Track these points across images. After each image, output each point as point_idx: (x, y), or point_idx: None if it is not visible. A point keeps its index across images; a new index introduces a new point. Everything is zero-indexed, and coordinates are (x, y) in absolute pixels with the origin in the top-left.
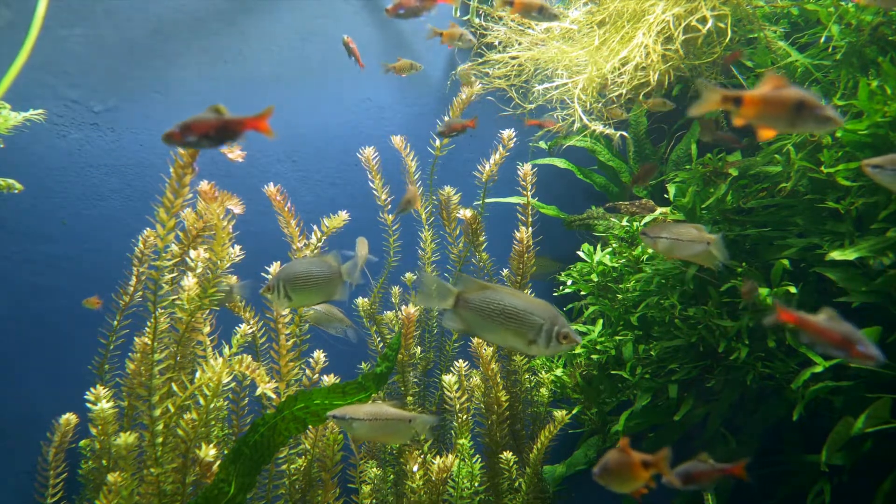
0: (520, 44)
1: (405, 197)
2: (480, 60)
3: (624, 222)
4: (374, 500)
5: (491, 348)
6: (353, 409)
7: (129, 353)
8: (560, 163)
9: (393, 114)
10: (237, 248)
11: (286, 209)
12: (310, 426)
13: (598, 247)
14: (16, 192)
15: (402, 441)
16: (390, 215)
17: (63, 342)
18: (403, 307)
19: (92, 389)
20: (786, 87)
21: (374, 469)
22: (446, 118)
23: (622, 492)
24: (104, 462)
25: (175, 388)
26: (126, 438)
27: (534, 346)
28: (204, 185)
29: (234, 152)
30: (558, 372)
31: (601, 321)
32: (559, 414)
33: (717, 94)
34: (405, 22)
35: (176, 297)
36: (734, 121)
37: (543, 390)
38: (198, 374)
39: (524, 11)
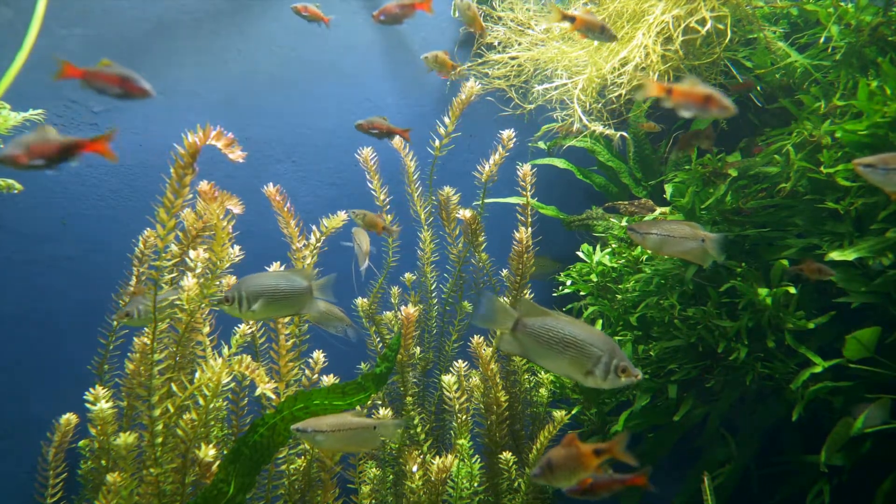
0: (519, 44)
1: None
2: (480, 61)
3: (623, 222)
4: (373, 501)
5: (490, 349)
6: (314, 421)
7: (129, 354)
8: (559, 163)
9: (393, 114)
10: (237, 248)
11: (286, 209)
12: None
13: (598, 247)
14: (15, 192)
15: (369, 448)
16: (388, 215)
17: (63, 342)
18: (402, 307)
19: (91, 390)
20: None
21: (374, 469)
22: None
23: (567, 486)
24: (103, 462)
25: (174, 388)
26: (125, 439)
27: (590, 377)
28: (204, 185)
29: (234, 153)
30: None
31: (600, 321)
32: (558, 414)
33: None
34: (404, 23)
35: (175, 297)
36: None
37: (543, 390)
38: (197, 375)
39: (585, 29)
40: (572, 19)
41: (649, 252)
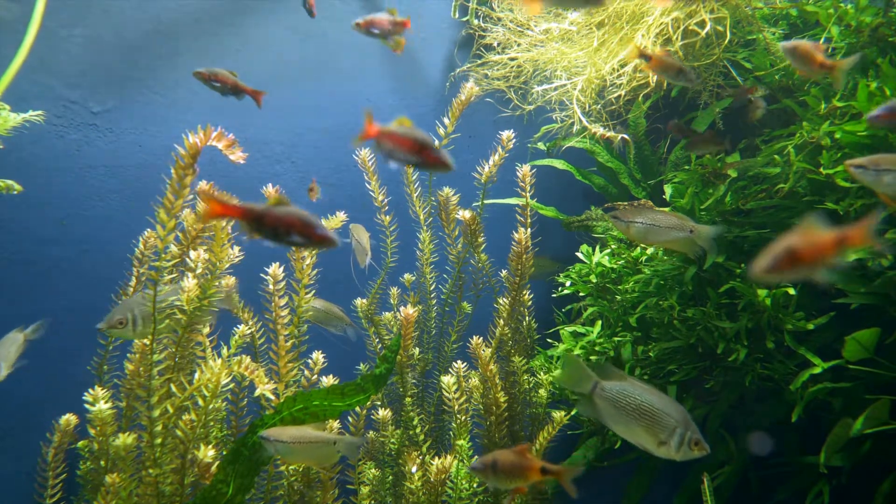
0: (518, 45)
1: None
2: (479, 62)
3: None
4: (372, 501)
5: (489, 349)
6: (277, 431)
7: (128, 354)
8: (559, 164)
9: (392, 114)
10: (236, 248)
11: None
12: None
13: (597, 248)
14: (15, 192)
15: (328, 464)
16: (387, 216)
17: (62, 343)
18: (402, 308)
19: (90, 390)
20: None
21: (373, 470)
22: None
23: (503, 488)
24: (103, 463)
25: (174, 388)
26: (124, 439)
27: (663, 447)
28: (203, 185)
29: (235, 153)
30: (557, 373)
31: (600, 322)
32: (558, 415)
33: None
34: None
35: (175, 297)
36: None
37: (542, 391)
38: (197, 375)
39: (661, 69)
40: (649, 58)
41: (650, 253)
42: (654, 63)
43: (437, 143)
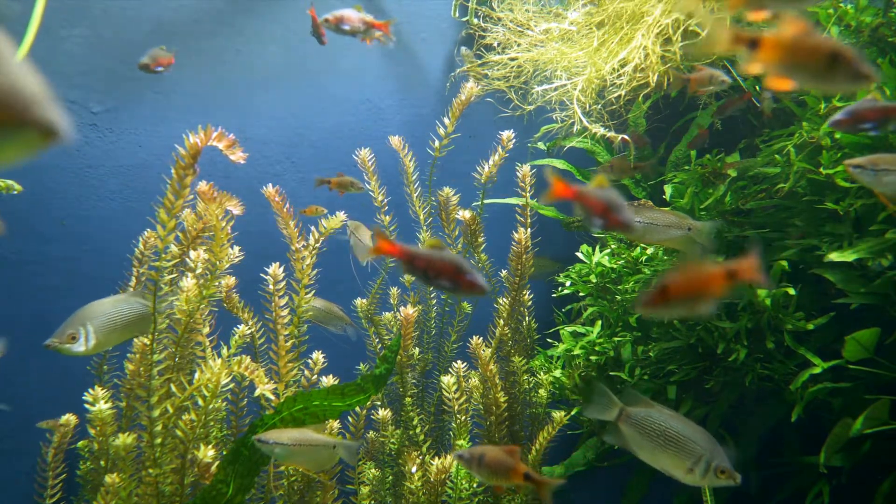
0: (519, 45)
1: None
2: (479, 62)
3: None
4: (372, 501)
5: (489, 349)
6: (276, 433)
7: (128, 354)
8: (559, 164)
9: (392, 115)
10: (236, 248)
11: (285, 210)
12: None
13: (597, 248)
14: (15, 192)
15: (326, 468)
16: (387, 216)
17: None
18: (402, 308)
19: (90, 390)
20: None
21: (373, 470)
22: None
23: (488, 482)
24: (102, 463)
25: (174, 388)
26: (124, 439)
27: (690, 474)
28: (203, 185)
29: (235, 154)
30: (557, 373)
31: (600, 322)
32: (558, 415)
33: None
34: (404, 23)
35: (175, 297)
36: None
37: (542, 391)
38: (196, 375)
39: (699, 85)
40: (689, 80)
41: (649, 253)
42: (693, 84)
43: (436, 143)
